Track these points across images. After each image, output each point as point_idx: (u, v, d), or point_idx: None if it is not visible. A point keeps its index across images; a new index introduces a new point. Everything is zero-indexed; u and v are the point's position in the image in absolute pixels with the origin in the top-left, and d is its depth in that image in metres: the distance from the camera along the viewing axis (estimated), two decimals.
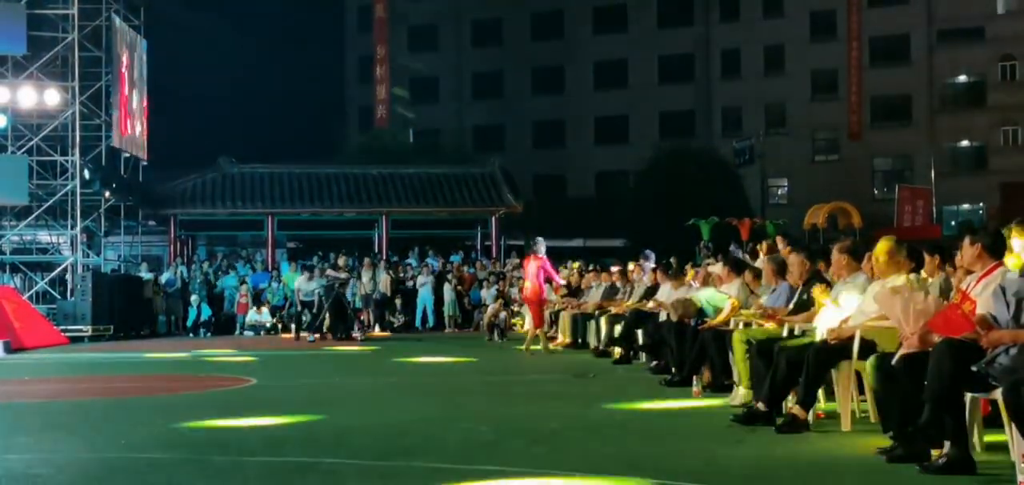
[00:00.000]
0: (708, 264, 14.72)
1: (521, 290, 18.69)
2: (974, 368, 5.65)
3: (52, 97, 24.58)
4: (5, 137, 25.19)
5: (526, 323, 19.07)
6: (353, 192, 31.99)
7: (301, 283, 23.11)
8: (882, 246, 7.49)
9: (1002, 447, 5.91)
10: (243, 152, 33.57)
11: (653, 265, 16.44)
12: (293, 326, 23.42)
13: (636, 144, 51.28)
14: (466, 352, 17.49)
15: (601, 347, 15.61)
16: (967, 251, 6.37)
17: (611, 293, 17.52)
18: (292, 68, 55.85)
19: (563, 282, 20.64)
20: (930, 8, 51.08)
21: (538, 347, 16.89)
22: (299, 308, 22.92)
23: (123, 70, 26.29)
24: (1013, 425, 5.44)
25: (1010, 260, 6.53)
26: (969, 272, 6.52)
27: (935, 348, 5.83)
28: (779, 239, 16.72)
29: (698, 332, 10.53)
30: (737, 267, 11.38)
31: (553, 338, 19.26)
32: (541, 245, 17.26)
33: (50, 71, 25.15)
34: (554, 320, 20.09)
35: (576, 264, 23.63)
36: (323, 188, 32.03)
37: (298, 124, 54.19)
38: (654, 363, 12.48)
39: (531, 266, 17.13)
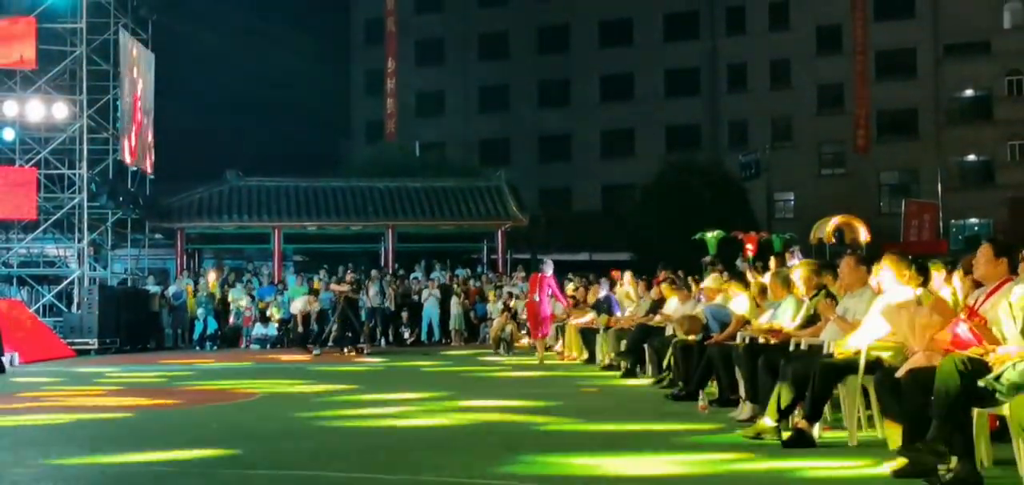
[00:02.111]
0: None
1: (528, 304, 19.08)
2: (981, 383, 5.64)
3: (60, 111, 24.68)
4: (13, 150, 25.29)
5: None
6: (359, 205, 32.03)
7: (305, 302, 23.18)
8: (888, 261, 7.48)
9: (1010, 462, 5.89)
10: (249, 165, 33.69)
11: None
12: (299, 340, 23.47)
13: (642, 157, 51.29)
14: (470, 366, 17.52)
15: (608, 361, 15.60)
16: (991, 264, 6.29)
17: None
18: (298, 81, 56.04)
19: (566, 302, 20.79)
20: (936, 22, 51.09)
21: (547, 353, 18.02)
22: (301, 328, 22.94)
23: (130, 84, 26.38)
24: (1021, 440, 5.42)
25: None
26: (977, 285, 6.50)
27: (942, 363, 5.82)
28: (789, 255, 16.73)
29: (704, 346, 10.53)
30: (742, 280, 11.38)
31: (560, 352, 19.42)
32: (549, 265, 18.50)
33: (58, 85, 25.25)
34: (560, 333, 20.19)
35: (572, 284, 23.69)
36: (329, 201, 32.09)
37: (304, 137, 54.37)
38: (660, 377, 12.46)
39: (537, 283, 18.14)
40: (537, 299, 18.01)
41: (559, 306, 20.68)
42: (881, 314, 7.06)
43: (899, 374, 6.31)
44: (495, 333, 22.28)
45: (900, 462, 6.09)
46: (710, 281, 12.45)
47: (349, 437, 8.54)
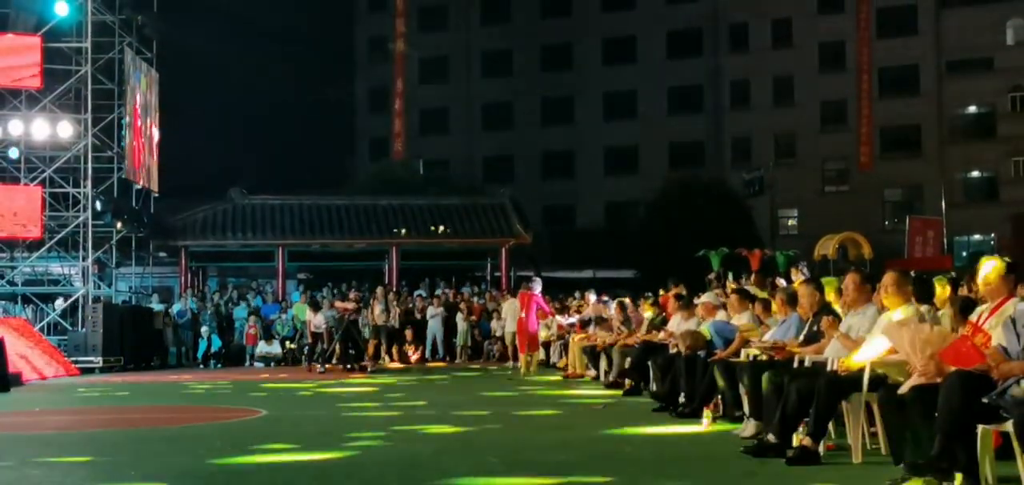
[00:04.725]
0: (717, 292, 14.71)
1: (519, 321, 19.79)
2: (985, 400, 5.64)
3: (65, 129, 24.74)
4: (18, 169, 25.34)
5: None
6: (363, 223, 32.06)
7: (311, 316, 23.18)
8: (889, 278, 7.47)
9: (1014, 479, 5.88)
10: (254, 183, 33.74)
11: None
12: (304, 357, 23.45)
13: (645, 175, 51.32)
14: (475, 380, 17.50)
15: (612, 378, 15.59)
16: (1004, 280, 6.26)
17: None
18: (303, 99, 56.17)
19: (563, 319, 21.34)
20: (939, 39, 51.16)
21: (532, 369, 19.02)
22: (310, 340, 22.94)
23: (135, 102, 26.46)
24: None
25: None
26: (981, 302, 6.50)
27: (946, 380, 5.81)
28: (795, 270, 16.75)
29: (708, 363, 10.52)
30: (747, 297, 11.38)
31: (564, 368, 19.59)
32: (537, 284, 19.95)
33: (63, 103, 25.32)
34: (563, 350, 20.45)
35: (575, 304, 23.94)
36: (333, 219, 32.12)
37: (309, 155, 54.48)
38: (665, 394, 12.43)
39: (526, 301, 19.34)
40: (525, 316, 19.09)
41: (552, 322, 21.27)
42: (883, 331, 7.06)
43: (902, 390, 6.30)
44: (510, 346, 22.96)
45: (904, 478, 6.09)
46: (708, 297, 12.47)
47: (353, 453, 8.53)
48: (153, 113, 28.31)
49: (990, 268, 6.37)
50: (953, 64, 50.91)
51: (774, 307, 10.69)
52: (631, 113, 55.08)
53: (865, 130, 50.54)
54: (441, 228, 31.60)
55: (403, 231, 31.49)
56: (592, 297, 22.07)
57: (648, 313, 16.08)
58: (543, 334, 21.45)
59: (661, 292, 18.65)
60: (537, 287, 19.76)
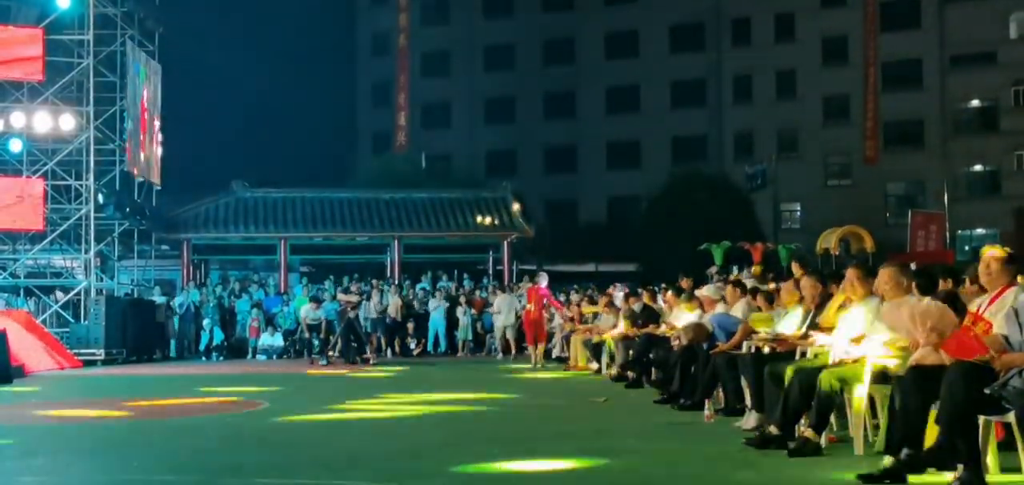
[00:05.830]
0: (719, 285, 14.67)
1: (525, 314, 20.05)
2: (987, 391, 5.63)
3: (67, 122, 24.75)
4: (21, 162, 25.35)
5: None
6: (365, 216, 32.09)
7: (307, 310, 23.19)
8: (885, 273, 7.45)
9: (1016, 470, 5.88)
10: (256, 176, 33.72)
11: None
12: (305, 351, 23.47)
13: (648, 169, 51.31)
14: (477, 375, 17.52)
15: (615, 371, 15.59)
16: (1004, 271, 6.26)
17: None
18: (305, 93, 56.14)
19: (568, 313, 21.43)
20: (942, 33, 51.09)
21: (539, 361, 19.37)
22: (306, 334, 22.96)
23: (137, 95, 26.45)
24: None
25: None
26: (982, 292, 6.49)
27: (948, 371, 5.80)
28: (794, 265, 16.72)
29: (710, 356, 10.51)
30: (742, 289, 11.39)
31: (564, 359, 19.69)
32: (543, 278, 20.50)
33: (65, 96, 25.32)
34: (566, 344, 20.49)
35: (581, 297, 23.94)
36: (336, 212, 32.14)
37: (311, 149, 54.43)
38: (667, 386, 12.43)
39: (534, 294, 19.73)
40: (532, 309, 19.46)
41: (557, 317, 21.34)
42: (880, 318, 7.05)
43: (911, 363, 6.29)
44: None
45: (887, 462, 6.07)
46: (708, 290, 12.47)
47: (357, 447, 8.54)
48: (155, 106, 28.31)
49: (991, 256, 6.37)
50: (956, 58, 50.87)
51: (781, 298, 10.66)
52: (633, 107, 55.06)
53: (870, 124, 50.46)
54: (487, 220, 31.68)
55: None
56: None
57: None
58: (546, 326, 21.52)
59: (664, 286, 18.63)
60: (544, 281, 20.14)
